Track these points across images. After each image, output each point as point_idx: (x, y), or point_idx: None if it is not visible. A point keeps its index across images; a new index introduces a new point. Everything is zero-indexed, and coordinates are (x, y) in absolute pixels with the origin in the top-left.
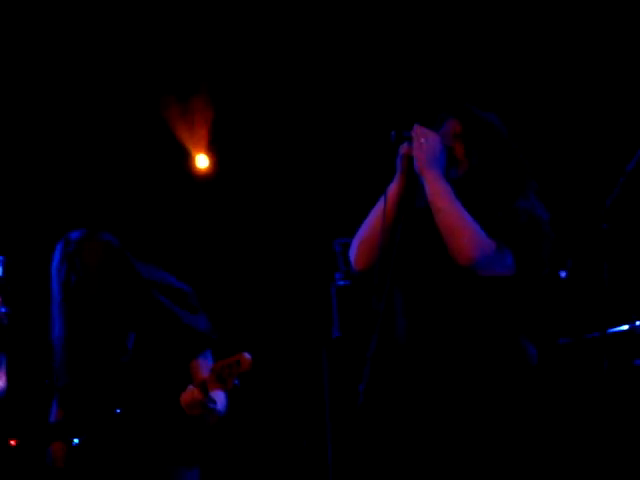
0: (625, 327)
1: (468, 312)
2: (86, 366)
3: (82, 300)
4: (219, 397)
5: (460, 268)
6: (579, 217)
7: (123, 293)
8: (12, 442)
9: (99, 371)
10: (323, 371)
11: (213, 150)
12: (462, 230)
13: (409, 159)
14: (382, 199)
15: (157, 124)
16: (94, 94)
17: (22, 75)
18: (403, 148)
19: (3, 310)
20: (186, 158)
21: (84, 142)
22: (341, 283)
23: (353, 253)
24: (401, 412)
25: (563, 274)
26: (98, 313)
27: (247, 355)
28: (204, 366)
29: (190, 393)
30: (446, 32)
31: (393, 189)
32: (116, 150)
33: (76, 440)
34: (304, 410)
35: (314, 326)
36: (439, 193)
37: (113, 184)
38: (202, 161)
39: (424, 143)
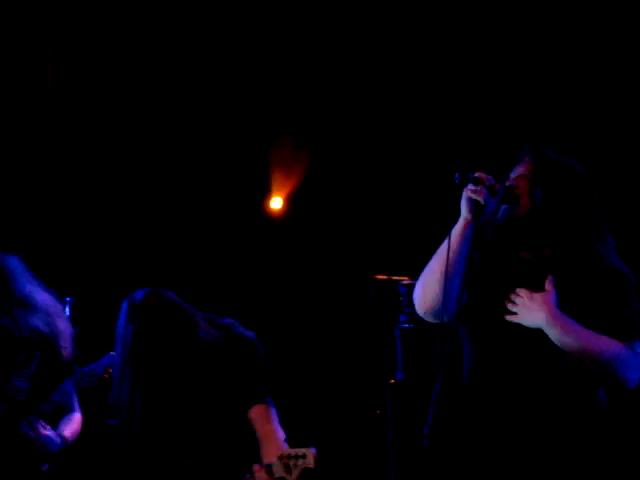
0: None
1: (538, 356)
2: (153, 423)
3: (145, 359)
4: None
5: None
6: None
7: (184, 351)
8: None
9: (166, 427)
10: (387, 414)
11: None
12: (610, 362)
13: (473, 200)
14: (446, 241)
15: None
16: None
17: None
18: (467, 190)
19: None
20: (261, 199)
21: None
22: (405, 325)
23: (417, 295)
24: (467, 457)
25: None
26: (161, 371)
27: (313, 450)
28: (265, 416)
29: (257, 474)
30: (519, 77)
31: (457, 230)
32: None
33: None
34: (368, 454)
35: (378, 369)
36: (573, 336)
37: (183, 228)
38: (277, 203)
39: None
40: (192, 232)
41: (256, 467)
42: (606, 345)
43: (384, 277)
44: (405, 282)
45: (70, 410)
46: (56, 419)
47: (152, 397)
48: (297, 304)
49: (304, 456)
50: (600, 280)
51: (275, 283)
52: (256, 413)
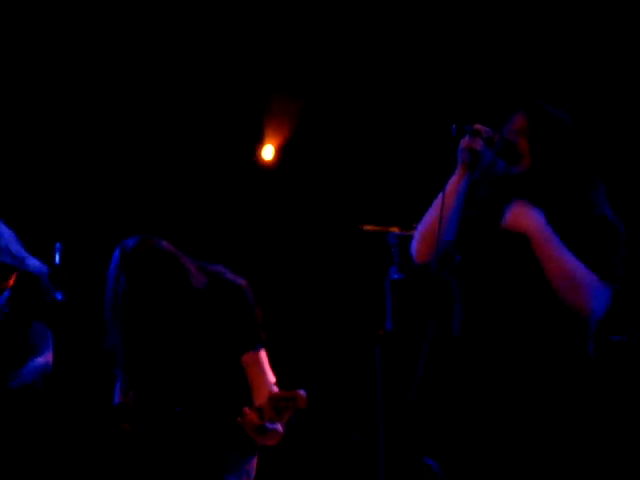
0: None
1: (528, 305)
2: (144, 369)
3: (136, 306)
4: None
5: (517, 259)
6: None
7: (177, 300)
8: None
9: (157, 373)
10: (376, 365)
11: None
12: (581, 285)
13: (470, 152)
14: (442, 191)
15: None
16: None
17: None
18: (464, 141)
19: (59, 297)
20: (251, 149)
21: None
22: (395, 276)
23: (414, 246)
24: (456, 406)
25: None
26: (153, 319)
27: (303, 393)
28: (258, 364)
29: (248, 417)
30: (515, 26)
31: (453, 182)
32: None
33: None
34: (356, 404)
35: (367, 320)
36: (550, 248)
37: (174, 174)
38: (268, 153)
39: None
40: (183, 179)
41: (247, 410)
42: (582, 269)
43: (374, 228)
44: (395, 233)
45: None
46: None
47: (143, 344)
48: (287, 254)
49: (294, 398)
50: (589, 227)
51: (265, 232)
52: (247, 360)
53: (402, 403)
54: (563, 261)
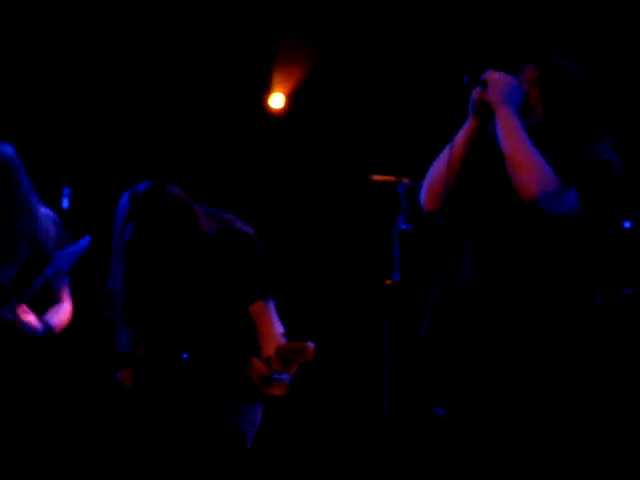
0: None
1: (535, 255)
2: (147, 311)
3: (145, 251)
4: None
5: (525, 207)
6: None
7: (185, 245)
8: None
9: (161, 316)
10: (383, 315)
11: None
12: (527, 165)
13: (481, 103)
14: (453, 140)
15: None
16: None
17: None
18: (476, 92)
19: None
20: (259, 97)
21: (161, 77)
22: (404, 227)
23: (423, 195)
24: (464, 356)
25: (628, 225)
26: (161, 264)
27: (311, 344)
28: (266, 313)
29: (255, 367)
30: None
31: (464, 132)
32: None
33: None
34: (363, 354)
35: (375, 269)
36: (510, 127)
37: (182, 121)
38: (278, 101)
39: (500, 80)
40: (193, 127)
41: (254, 360)
42: (537, 156)
43: (383, 178)
44: (404, 183)
45: (58, 301)
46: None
47: (149, 288)
48: (296, 203)
49: (302, 350)
50: (589, 164)
51: (275, 181)
52: (256, 309)
53: (409, 353)
54: (519, 144)
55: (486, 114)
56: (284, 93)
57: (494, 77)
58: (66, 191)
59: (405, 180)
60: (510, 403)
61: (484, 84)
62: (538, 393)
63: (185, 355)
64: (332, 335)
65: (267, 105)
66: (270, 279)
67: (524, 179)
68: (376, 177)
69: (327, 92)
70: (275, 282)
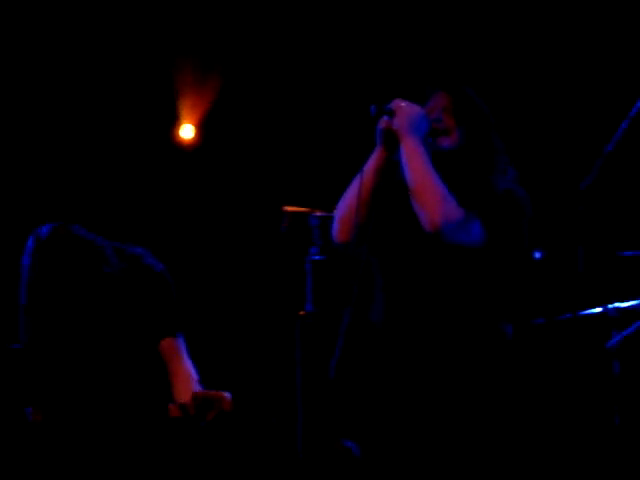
0: (598, 310)
1: (443, 287)
2: (59, 361)
3: (50, 295)
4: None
5: (432, 239)
6: (555, 199)
7: (91, 285)
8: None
9: (73, 363)
10: (296, 346)
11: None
12: (430, 195)
13: (388, 132)
14: (361, 171)
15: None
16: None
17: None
18: (383, 122)
19: None
20: (169, 127)
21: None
22: (316, 258)
23: (335, 227)
24: (375, 390)
25: (538, 255)
26: (67, 307)
27: (228, 396)
28: (176, 350)
29: (172, 414)
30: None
31: (372, 163)
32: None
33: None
34: (275, 385)
35: (288, 301)
36: (414, 157)
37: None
38: (188, 132)
39: (406, 109)
40: (103, 163)
41: (171, 406)
42: (438, 188)
43: (295, 209)
44: (317, 214)
45: None
46: None
47: (58, 334)
48: (208, 235)
49: (219, 400)
50: (495, 201)
51: (186, 213)
52: (166, 347)
53: (321, 383)
54: (423, 174)
55: (393, 143)
56: (193, 124)
57: (400, 106)
58: None
59: (318, 212)
60: (422, 438)
61: (391, 113)
62: (450, 427)
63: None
64: (245, 366)
65: (177, 136)
66: (180, 316)
67: (427, 210)
68: (289, 208)
69: (237, 121)
70: (185, 319)
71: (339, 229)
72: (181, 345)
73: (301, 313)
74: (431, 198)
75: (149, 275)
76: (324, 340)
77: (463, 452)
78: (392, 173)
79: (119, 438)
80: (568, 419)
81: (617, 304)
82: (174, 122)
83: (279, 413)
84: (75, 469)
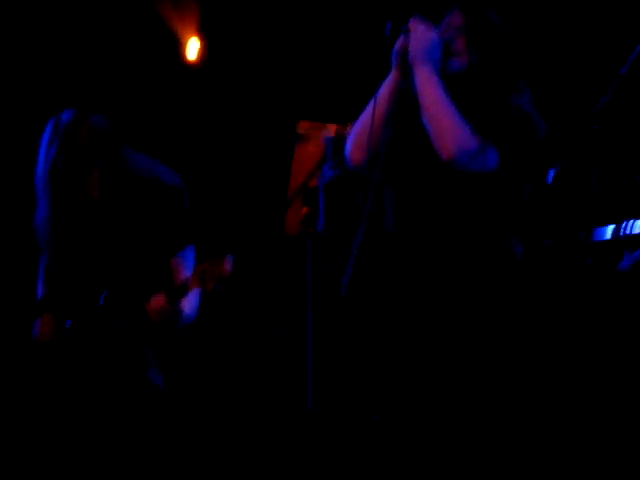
0: (610, 231)
1: (456, 205)
2: (70, 249)
3: (67, 182)
4: (190, 302)
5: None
6: (570, 119)
7: (108, 180)
8: None
9: (83, 256)
10: (307, 263)
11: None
12: (445, 124)
13: (404, 53)
14: (378, 92)
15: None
16: None
17: None
18: (399, 42)
19: None
20: (178, 46)
21: (80, 25)
22: (329, 176)
23: (349, 148)
24: (385, 303)
25: (551, 175)
26: (82, 197)
27: (229, 259)
28: (185, 263)
29: (157, 301)
30: None
31: (387, 85)
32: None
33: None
34: (287, 302)
35: (301, 220)
36: (428, 84)
37: (107, 69)
38: (193, 48)
39: (420, 35)
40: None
41: (156, 295)
42: (453, 117)
43: (310, 124)
44: (330, 136)
45: None
46: None
47: (71, 222)
48: (221, 153)
49: (220, 265)
50: (500, 110)
51: (199, 124)
52: (177, 261)
53: (332, 301)
54: (437, 104)
55: (409, 65)
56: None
57: (417, 29)
58: None
59: (332, 126)
60: (430, 350)
61: (407, 32)
62: (457, 341)
63: (104, 294)
64: (256, 284)
65: (185, 52)
66: (193, 228)
67: (441, 140)
68: (304, 123)
69: (248, 33)
70: (197, 231)
71: (353, 151)
72: (190, 258)
73: (312, 230)
74: (446, 128)
75: (165, 186)
76: (335, 259)
77: (465, 366)
78: (408, 96)
79: (128, 349)
80: (574, 342)
81: (629, 226)
82: (182, 37)
83: (289, 330)
84: (83, 385)
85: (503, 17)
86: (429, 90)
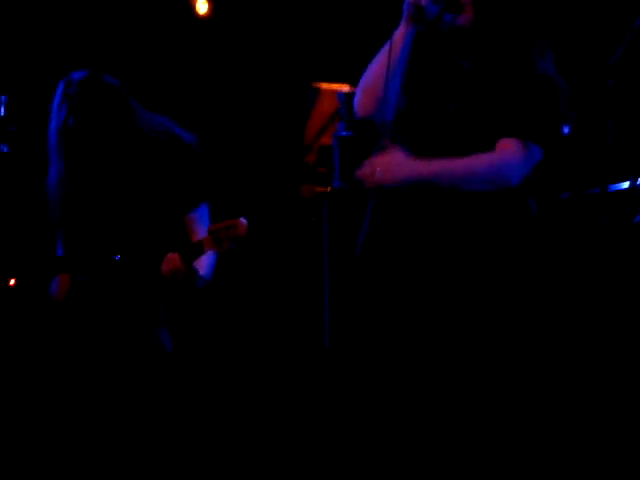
0: (626, 185)
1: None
2: (83, 211)
3: (80, 143)
4: (205, 263)
5: (460, 118)
6: (585, 73)
7: (122, 140)
8: (11, 281)
9: (97, 216)
10: (323, 221)
11: None
12: (480, 175)
13: (415, 6)
14: (387, 44)
15: None
16: None
17: None
18: None
19: (4, 149)
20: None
21: None
22: (344, 133)
23: (357, 99)
24: (402, 262)
25: (566, 130)
26: (95, 157)
27: (243, 220)
28: (199, 221)
29: (171, 262)
30: None
31: (398, 36)
32: None
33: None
34: (303, 260)
35: (316, 178)
36: (434, 176)
37: (117, 27)
38: (202, 6)
39: (382, 164)
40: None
41: (169, 255)
42: (482, 162)
43: (326, 85)
44: (343, 91)
45: None
46: None
47: (84, 181)
48: (232, 111)
49: (234, 226)
50: (528, 85)
51: (210, 86)
52: (191, 218)
53: (348, 259)
54: (464, 175)
55: (420, 17)
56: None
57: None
58: (2, 99)
59: (346, 87)
60: (445, 310)
61: None
62: (473, 301)
63: (117, 257)
64: (272, 240)
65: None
66: (207, 186)
67: (493, 184)
68: (319, 84)
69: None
70: (212, 190)
71: (362, 101)
72: (206, 215)
73: (329, 189)
74: (484, 178)
75: (180, 144)
76: (351, 217)
77: (481, 326)
78: (419, 45)
79: (133, 298)
80: (595, 297)
81: None
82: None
83: (306, 288)
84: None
85: None
86: (440, 176)
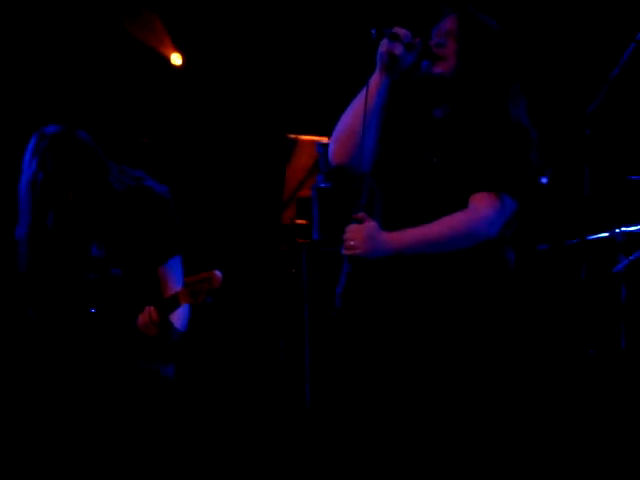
0: (604, 234)
1: (446, 207)
2: (52, 266)
3: (48, 198)
4: (180, 315)
5: (435, 167)
6: (561, 123)
7: (92, 194)
8: None
9: (66, 271)
10: (302, 273)
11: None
12: (454, 244)
13: (389, 56)
14: (361, 94)
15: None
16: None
17: None
18: (383, 45)
19: None
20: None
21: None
22: (322, 185)
23: (332, 147)
24: (380, 314)
25: (544, 180)
26: (65, 212)
27: (218, 273)
28: (172, 273)
29: (146, 315)
30: None
31: (372, 86)
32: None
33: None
34: (282, 311)
35: (294, 229)
36: (411, 245)
37: (92, 81)
38: (176, 59)
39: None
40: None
41: (146, 308)
42: (457, 222)
43: (306, 138)
44: (322, 142)
45: None
46: None
47: (52, 237)
48: (208, 163)
49: (209, 278)
50: (500, 131)
51: (186, 137)
52: (164, 271)
53: (328, 311)
54: (440, 239)
55: (393, 67)
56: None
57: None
58: None
59: (325, 138)
60: (425, 356)
61: (392, 37)
62: (452, 348)
63: (93, 310)
64: (252, 293)
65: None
66: (180, 238)
67: (470, 241)
68: (298, 136)
69: (231, 48)
70: (185, 241)
71: (336, 150)
72: (178, 270)
73: (307, 241)
74: (462, 236)
75: (152, 196)
76: (330, 268)
77: (457, 371)
78: (392, 94)
79: (115, 361)
80: (573, 344)
81: (624, 228)
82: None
83: (286, 339)
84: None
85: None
86: (415, 247)
